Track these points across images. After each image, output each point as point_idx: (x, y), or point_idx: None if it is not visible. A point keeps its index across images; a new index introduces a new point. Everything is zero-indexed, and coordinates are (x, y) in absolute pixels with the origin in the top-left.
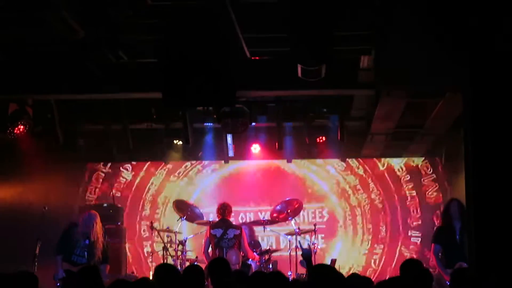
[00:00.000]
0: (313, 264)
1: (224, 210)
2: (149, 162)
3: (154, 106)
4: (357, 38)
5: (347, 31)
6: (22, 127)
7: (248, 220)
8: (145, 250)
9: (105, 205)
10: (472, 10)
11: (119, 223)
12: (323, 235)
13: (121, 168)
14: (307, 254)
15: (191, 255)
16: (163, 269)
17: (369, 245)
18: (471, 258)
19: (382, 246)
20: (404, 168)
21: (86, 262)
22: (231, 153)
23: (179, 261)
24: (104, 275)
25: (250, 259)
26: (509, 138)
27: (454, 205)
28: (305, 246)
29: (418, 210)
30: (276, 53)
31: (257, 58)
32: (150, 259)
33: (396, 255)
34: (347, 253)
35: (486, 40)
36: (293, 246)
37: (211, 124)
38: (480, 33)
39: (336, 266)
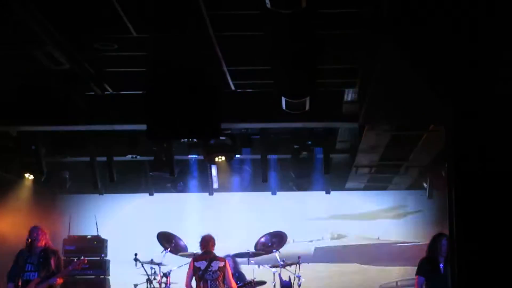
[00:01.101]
0: None
1: (207, 242)
2: (133, 194)
3: (138, 137)
4: (341, 71)
5: (331, 64)
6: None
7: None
8: (128, 282)
9: (89, 236)
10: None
11: (102, 255)
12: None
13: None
14: (287, 286)
15: (175, 287)
16: None
17: None
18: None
19: None
20: None
21: (38, 276)
22: (215, 185)
23: None
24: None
25: None
26: (492, 172)
27: (442, 241)
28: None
29: None
30: (260, 86)
31: (241, 90)
32: None
33: None
34: None
35: (469, 76)
36: (277, 278)
37: (196, 156)
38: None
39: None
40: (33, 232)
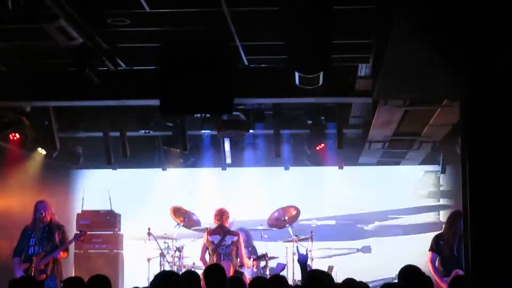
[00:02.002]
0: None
1: (221, 216)
2: (146, 169)
3: (151, 112)
4: (355, 46)
5: (345, 39)
6: (17, 134)
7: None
8: (142, 256)
9: (102, 211)
10: (472, 20)
11: (116, 230)
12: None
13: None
14: (303, 260)
15: (188, 261)
16: (161, 276)
17: None
18: (467, 266)
19: None
20: None
21: (43, 250)
22: (228, 160)
23: (175, 267)
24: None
25: (244, 266)
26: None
27: (460, 221)
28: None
29: None
30: (273, 61)
31: (254, 65)
32: (147, 266)
33: None
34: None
35: (485, 49)
36: (290, 253)
37: (209, 131)
38: (479, 43)
39: (334, 273)
40: (39, 207)
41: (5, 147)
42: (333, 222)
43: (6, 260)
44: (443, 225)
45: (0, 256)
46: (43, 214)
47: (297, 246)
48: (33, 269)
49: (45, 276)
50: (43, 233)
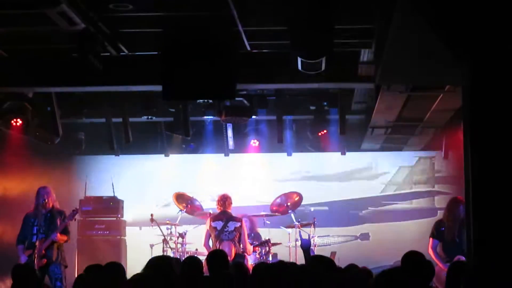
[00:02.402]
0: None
1: (224, 201)
2: (149, 155)
3: (154, 98)
4: (357, 31)
5: (347, 24)
6: (19, 120)
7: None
8: (145, 242)
9: (105, 197)
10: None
11: (119, 216)
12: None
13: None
14: (306, 245)
15: (191, 247)
16: (154, 260)
17: None
18: (469, 251)
19: None
20: None
21: (45, 237)
22: (231, 146)
23: (178, 253)
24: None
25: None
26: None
27: (460, 207)
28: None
29: None
30: (276, 46)
31: (257, 51)
32: (150, 252)
33: None
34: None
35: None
36: (293, 239)
37: (211, 117)
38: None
39: (336, 259)
40: (42, 193)
41: (7, 133)
42: (325, 208)
43: (8, 246)
44: (443, 211)
45: (3, 242)
46: (46, 200)
47: (299, 232)
48: (35, 255)
49: (46, 261)
50: (45, 220)
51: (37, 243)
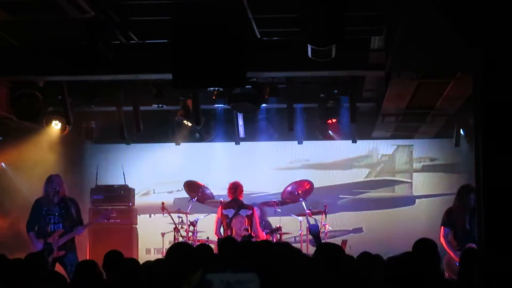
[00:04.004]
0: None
1: (235, 189)
2: (160, 143)
3: (165, 87)
4: (368, 18)
5: (358, 11)
6: (31, 108)
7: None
8: (156, 231)
9: (116, 186)
10: None
11: (130, 204)
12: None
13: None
14: (315, 230)
15: (202, 235)
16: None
17: None
18: (480, 238)
19: None
20: None
21: (62, 227)
22: (242, 135)
23: (190, 241)
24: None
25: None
26: None
27: (470, 195)
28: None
29: None
30: (286, 34)
31: (267, 38)
32: (161, 240)
33: None
34: None
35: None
36: (303, 227)
37: (222, 105)
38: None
39: (347, 247)
40: (56, 181)
41: (19, 121)
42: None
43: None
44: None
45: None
46: (58, 189)
47: (307, 218)
48: (54, 246)
49: (64, 252)
50: (60, 210)
51: (54, 234)
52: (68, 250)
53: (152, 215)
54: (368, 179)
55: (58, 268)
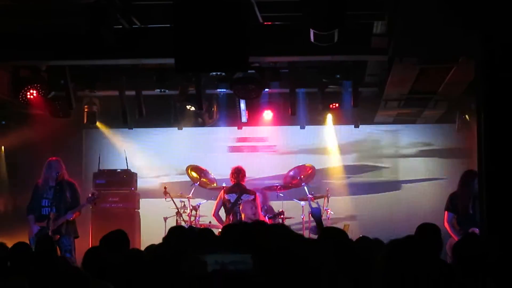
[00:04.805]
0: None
1: (238, 174)
2: (162, 128)
3: (167, 72)
4: (370, 3)
5: None
6: (35, 92)
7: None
8: (158, 215)
9: (118, 170)
10: None
11: (132, 188)
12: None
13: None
14: (317, 213)
15: (204, 220)
16: (175, 231)
17: None
18: (482, 222)
19: None
20: None
21: (56, 211)
22: (244, 119)
23: (192, 226)
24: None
25: None
26: None
27: (475, 180)
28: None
29: None
30: (288, 18)
31: (269, 23)
32: (164, 224)
33: None
34: None
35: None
36: (306, 211)
37: (224, 90)
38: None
39: (349, 231)
40: (55, 165)
41: (21, 105)
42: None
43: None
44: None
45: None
46: (59, 173)
47: (309, 202)
48: (49, 229)
49: (59, 236)
50: (55, 193)
51: (50, 216)
52: (63, 234)
53: (155, 199)
54: (362, 163)
55: None
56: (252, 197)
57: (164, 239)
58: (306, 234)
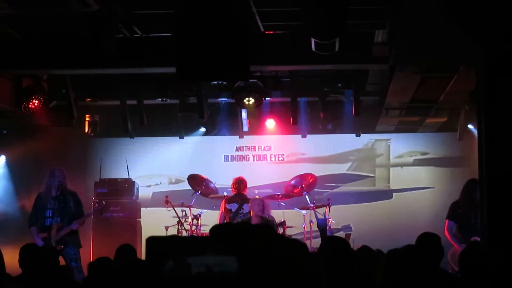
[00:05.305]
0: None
1: (239, 184)
2: (163, 137)
3: (168, 81)
4: (372, 12)
5: (362, 4)
6: (37, 102)
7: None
8: (160, 224)
9: (119, 179)
10: None
11: (134, 198)
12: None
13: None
14: (322, 225)
15: (205, 229)
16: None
17: None
18: (483, 231)
19: None
20: None
21: (60, 221)
22: (246, 128)
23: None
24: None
25: None
26: None
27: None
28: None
29: None
30: (290, 27)
31: (271, 32)
32: (165, 234)
33: None
34: None
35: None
36: (307, 220)
37: (226, 99)
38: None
39: (351, 240)
40: (58, 175)
41: (23, 115)
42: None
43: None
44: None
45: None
46: (61, 183)
47: (315, 212)
48: (52, 240)
49: (62, 246)
50: (59, 203)
51: (53, 227)
52: (67, 244)
53: (156, 208)
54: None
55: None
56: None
57: None
58: (308, 243)
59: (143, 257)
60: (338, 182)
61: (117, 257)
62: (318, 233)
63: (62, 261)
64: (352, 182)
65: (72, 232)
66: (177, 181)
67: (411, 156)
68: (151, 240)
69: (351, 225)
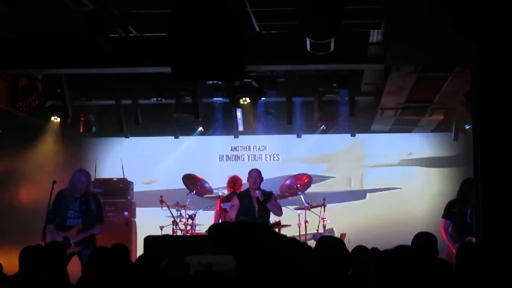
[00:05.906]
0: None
1: (234, 183)
2: (159, 137)
3: (163, 80)
4: (367, 12)
5: (357, 4)
6: (32, 101)
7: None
8: (154, 224)
9: (115, 179)
10: None
11: (129, 197)
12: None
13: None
14: None
15: (201, 229)
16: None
17: None
18: (478, 231)
19: None
20: None
21: (82, 223)
22: (241, 128)
23: (188, 235)
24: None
25: None
26: None
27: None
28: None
29: None
30: (285, 27)
31: (266, 32)
32: (160, 233)
33: None
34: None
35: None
36: (302, 220)
37: (221, 99)
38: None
39: (346, 240)
40: (83, 181)
41: (18, 115)
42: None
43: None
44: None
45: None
46: (86, 187)
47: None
48: (71, 241)
49: (80, 248)
50: (81, 205)
51: (73, 228)
52: (84, 247)
53: (151, 208)
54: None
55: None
56: None
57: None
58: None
59: (138, 255)
60: (343, 181)
61: (110, 257)
62: (313, 234)
63: (76, 262)
64: (356, 181)
65: (90, 235)
66: (172, 181)
67: (404, 155)
68: (150, 240)
69: (334, 229)
